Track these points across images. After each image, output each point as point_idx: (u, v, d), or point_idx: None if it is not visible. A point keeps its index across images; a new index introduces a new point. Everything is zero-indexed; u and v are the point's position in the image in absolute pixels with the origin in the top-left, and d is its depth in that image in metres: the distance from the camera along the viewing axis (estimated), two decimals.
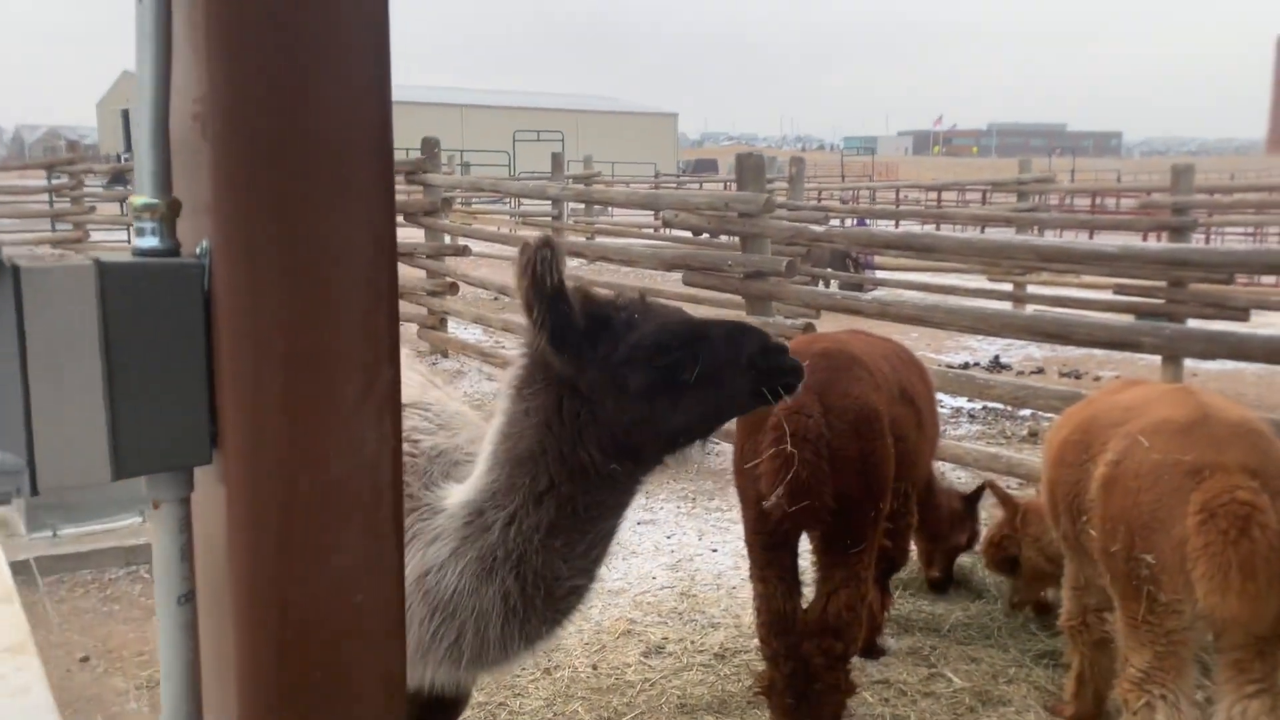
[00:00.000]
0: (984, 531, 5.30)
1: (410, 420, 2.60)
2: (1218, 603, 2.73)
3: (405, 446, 2.50)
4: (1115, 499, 3.07)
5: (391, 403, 0.95)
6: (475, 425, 2.71)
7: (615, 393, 2.15)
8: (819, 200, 19.93)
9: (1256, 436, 3.08)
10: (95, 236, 19.63)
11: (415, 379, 2.89)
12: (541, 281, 2.03)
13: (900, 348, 4.67)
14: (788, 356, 2.24)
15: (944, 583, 5.47)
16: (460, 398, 3.25)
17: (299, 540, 0.93)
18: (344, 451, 0.93)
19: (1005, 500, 5.00)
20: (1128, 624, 3.07)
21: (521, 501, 2.21)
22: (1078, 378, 11.40)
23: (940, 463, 7.63)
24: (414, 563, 2.28)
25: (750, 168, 7.61)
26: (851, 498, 3.79)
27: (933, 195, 31.70)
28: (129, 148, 56.62)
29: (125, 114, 65.24)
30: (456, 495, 2.32)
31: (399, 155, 13.35)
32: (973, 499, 5.39)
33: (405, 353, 3.33)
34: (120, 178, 25.31)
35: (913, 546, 5.16)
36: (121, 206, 22.07)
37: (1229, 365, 11.28)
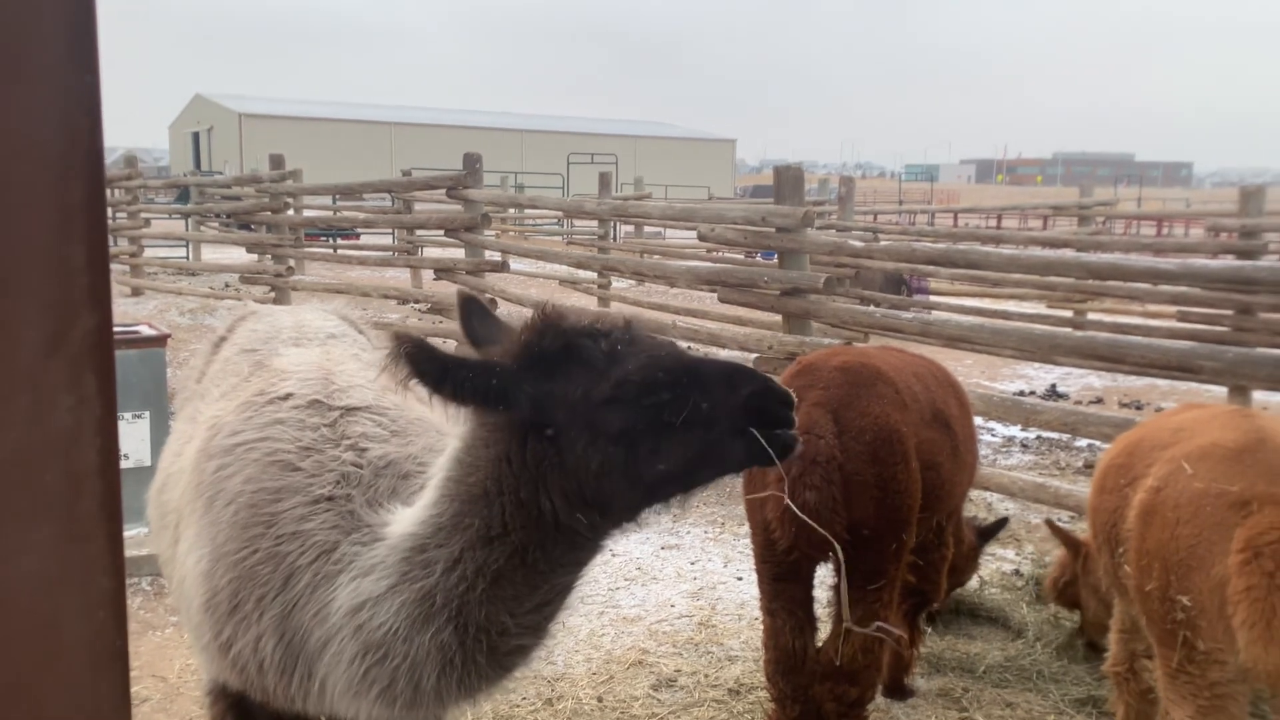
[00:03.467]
0: (1042, 569, 4.94)
1: (361, 426, 2.37)
2: (1260, 655, 2.36)
3: (350, 456, 2.29)
4: (1152, 531, 2.71)
5: (96, 358, 0.71)
6: (435, 433, 2.48)
7: (589, 434, 1.91)
8: (874, 222, 19.55)
9: None
10: (149, 253, 19.92)
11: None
12: (423, 376, 1.89)
13: (937, 367, 4.33)
14: (790, 410, 1.96)
15: (943, 613, 5.16)
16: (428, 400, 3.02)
17: None
18: (20, 420, 0.69)
19: (1068, 541, 4.61)
20: (1166, 673, 2.70)
21: (468, 543, 1.98)
22: (1139, 409, 10.86)
23: (986, 493, 7.25)
24: (346, 593, 2.06)
25: (788, 180, 7.33)
26: (867, 528, 3.46)
27: (993, 220, 31.05)
28: (198, 167, 58.03)
29: (195, 135, 66.91)
30: (400, 523, 2.09)
31: (444, 172, 13.30)
32: (987, 534, 5.02)
33: (379, 351, 3.12)
34: (186, 193, 25.81)
35: None
36: (186, 223, 22.45)
37: None
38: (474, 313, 2.22)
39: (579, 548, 2.03)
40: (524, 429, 1.95)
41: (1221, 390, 9.56)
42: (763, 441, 1.91)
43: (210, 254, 21.71)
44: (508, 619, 2.00)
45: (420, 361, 1.88)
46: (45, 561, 0.72)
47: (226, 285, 17.48)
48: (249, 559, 2.19)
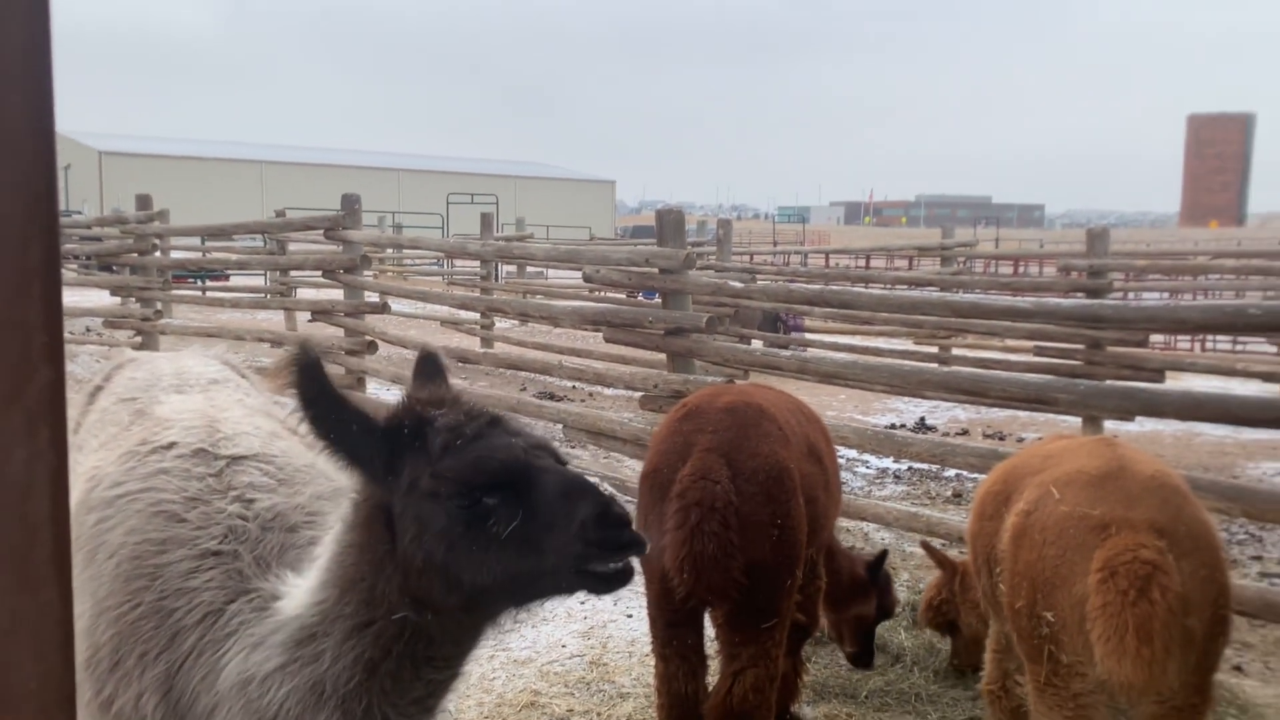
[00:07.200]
0: (917, 595, 5.09)
1: (247, 475, 2.32)
2: (1114, 667, 2.58)
3: (236, 508, 2.24)
4: (1022, 551, 2.93)
5: (50, 413, 0.74)
6: (323, 479, 2.43)
7: (416, 526, 1.87)
8: (750, 262, 20.11)
9: (1170, 493, 2.95)
10: None
11: (265, 426, 2.61)
12: (304, 386, 1.86)
13: (803, 404, 4.49)
14: (629, 530, 1.85)
15: (863, 655, 5.09)
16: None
17: None
18: None
19: (942, 561, 4.82)
20: (1034, 686, 2.91)
21: (346, 632, 1.95)
22: (1001, 439, 11.43)
23: (863, 523, 7.51)
24: (235, 663, 2.03)
25: (670, 223, 7.53)
26: (765, 568, 3.51)
27: (862, 261, 32.23)
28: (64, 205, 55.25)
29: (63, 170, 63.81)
30: (289, 603, 2.04)
31: (323, 213, 13.09)
32: (874, 566, 5.17)
33: (263, 397, 3.07)
34: None
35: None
36: None
37: (1148, 426, 11.41)
38: (425, 370, 2.16)
39: (434, 643, 1.98)
40: (379, 514, 1.93)
41: (1076, 420, 10.18)
42: (594, 582, 1.87)
43: (69, 297, 20.72)
44: (390, 710, 1.98)
45: (307, 378, 1.85)
46: None
47: (88, 330, 16.72)
48: (131, 613, 2.13)
